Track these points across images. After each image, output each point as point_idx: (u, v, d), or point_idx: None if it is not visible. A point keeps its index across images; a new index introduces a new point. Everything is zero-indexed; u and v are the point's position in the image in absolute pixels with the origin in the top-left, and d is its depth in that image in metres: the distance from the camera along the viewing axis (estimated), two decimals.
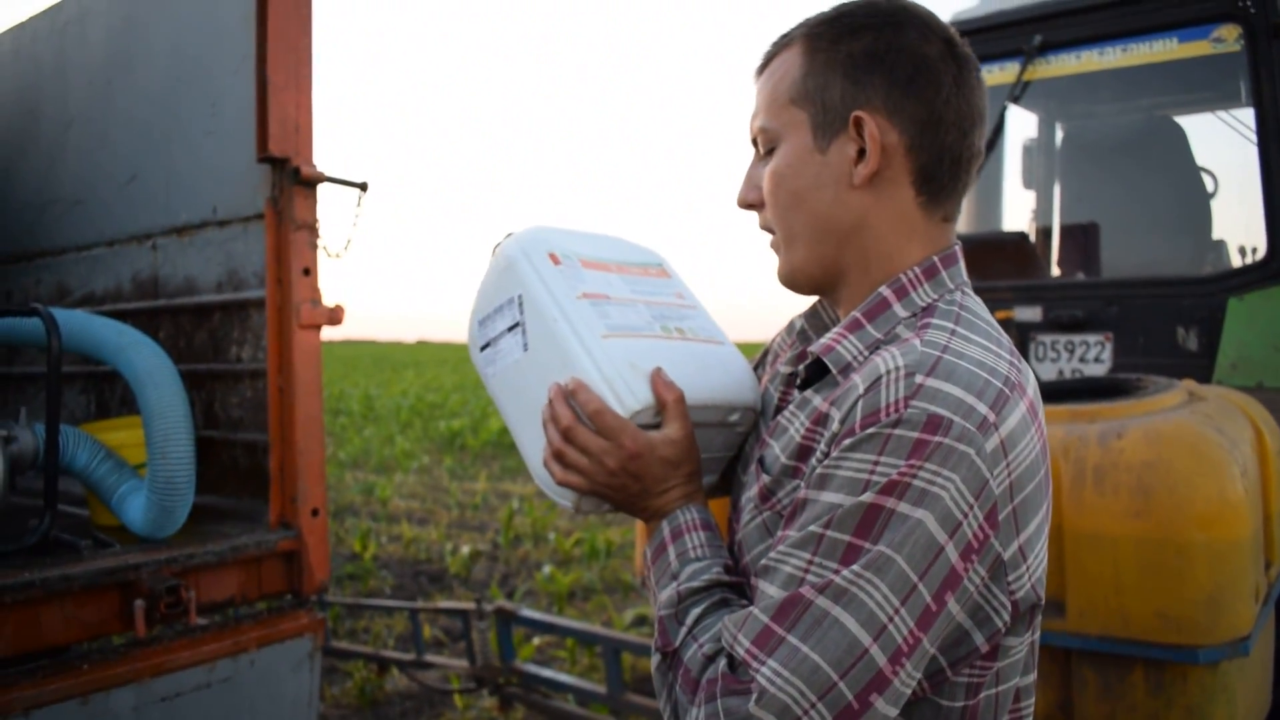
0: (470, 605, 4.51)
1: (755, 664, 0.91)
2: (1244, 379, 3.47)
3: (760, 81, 1.16)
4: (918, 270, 1.09)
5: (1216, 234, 4.50)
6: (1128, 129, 4.87)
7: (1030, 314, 4.04)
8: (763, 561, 0.97)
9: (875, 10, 1.09)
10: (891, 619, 0.89)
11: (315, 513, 2.46)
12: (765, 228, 1.17)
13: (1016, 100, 4.33)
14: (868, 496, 0.91)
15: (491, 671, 4.39)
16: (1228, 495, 2.24)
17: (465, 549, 7.84)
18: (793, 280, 1.16)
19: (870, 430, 0.93)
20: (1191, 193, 4.48)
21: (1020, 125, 5.01)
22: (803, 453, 1.05)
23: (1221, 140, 4.26)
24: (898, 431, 0.92)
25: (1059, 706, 2.40)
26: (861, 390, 0.96)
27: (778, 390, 1.25)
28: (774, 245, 1.17)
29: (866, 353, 1.06)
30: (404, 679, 5.05)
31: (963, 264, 1.12)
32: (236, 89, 2.52)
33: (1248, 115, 3.88)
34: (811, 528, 0.93)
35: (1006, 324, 3.99)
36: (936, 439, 0.90)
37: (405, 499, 10.74)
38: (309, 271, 2.42)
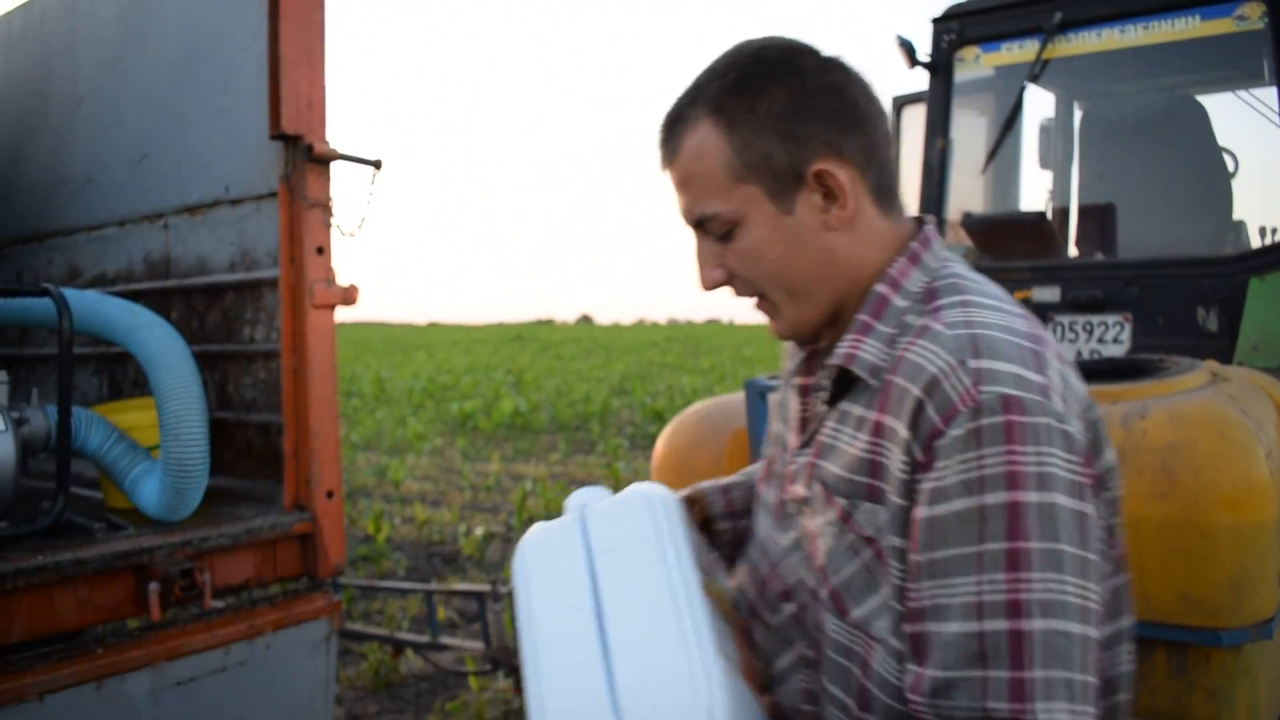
0: (485, 587, 4.50)
1: (1027, 715, 0.93)
2: (1265, 360, 3.42)
3: (677, 169, 1.13)
4: (903, 261, 1.14)
5: (1237, 214, 4.44)
6: (1148, 108, 4.80)
7: (1048, 294, 4.00)
8: (913, 605, 0.98)
9: (767, 62, 1.09)
10: (1087, 598, 0.96)
11: (330, 495, 2.44)
12: (746, 295, 1.17)
13: (1035, 79, 4.27)
14: (993, 497, 0.94)
15: (507, 654, 4.37)
16: (1253, 477, 2.21)
17: (479, 530, 7.84)
18: (799, 332, 1.18)
19: (957, 431, 0.96)
20: (1212, 173, 4.42)
21: (1038, 105, 4.96)
22: (874, 469, 1.05)
23: (1243, 120, 4.21)
24: (984, 421, 0.95)
25: None
26: (918, 392, 0.99)
27: (797, 400, 1.24)
28: (762, 308, 1.19)
29: (889, 350, 1.07)
30: (419, 661, 5.06)
31: (937, 240, 1.16)
32: (248, 65, 2.50)
33: (1270, 95, 3.82)
34: (957, 549, 0.96)
35: (1024, 304, 3.95)
36: (1019, 419, 0.95)
37: (418, 481, 10.74)
38: (322, 250, 2.40)
